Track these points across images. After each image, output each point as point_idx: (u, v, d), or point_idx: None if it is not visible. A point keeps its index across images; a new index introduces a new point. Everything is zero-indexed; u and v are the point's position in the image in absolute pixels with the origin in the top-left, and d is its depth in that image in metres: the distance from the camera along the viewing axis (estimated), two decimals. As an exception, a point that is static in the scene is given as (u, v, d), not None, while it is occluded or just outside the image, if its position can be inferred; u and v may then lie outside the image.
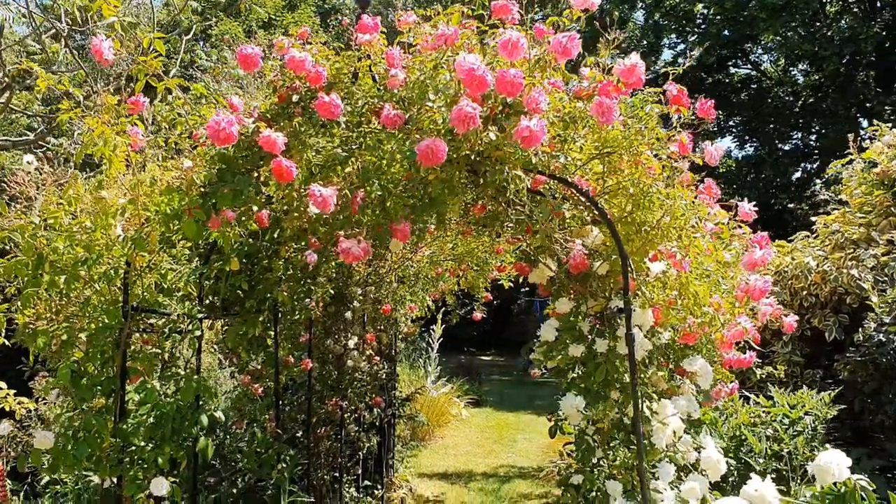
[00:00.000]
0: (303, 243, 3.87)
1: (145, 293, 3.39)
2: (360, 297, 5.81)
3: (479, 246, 6.72)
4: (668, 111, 2.97)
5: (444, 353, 12.58)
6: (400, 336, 7.75)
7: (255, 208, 3.29)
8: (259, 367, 4.64)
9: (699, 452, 3.30)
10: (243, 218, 3.27)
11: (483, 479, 8.31)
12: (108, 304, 3.33)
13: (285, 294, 3.94)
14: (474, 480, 8.25)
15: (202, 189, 2.93)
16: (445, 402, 11.32)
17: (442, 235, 5.80)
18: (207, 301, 3.85)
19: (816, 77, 17.78)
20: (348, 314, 5.57)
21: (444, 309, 9.08)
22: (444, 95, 2.57)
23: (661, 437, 3.06)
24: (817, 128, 18.62)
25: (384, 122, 2.72)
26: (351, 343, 5.58)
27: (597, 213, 2.96)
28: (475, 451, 9.77)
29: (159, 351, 3.40)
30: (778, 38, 17.60)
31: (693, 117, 3.02)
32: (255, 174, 3.04)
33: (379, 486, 6.94)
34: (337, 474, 5.82)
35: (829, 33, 16.91)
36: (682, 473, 3.15)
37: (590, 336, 3.16)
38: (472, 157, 2.73)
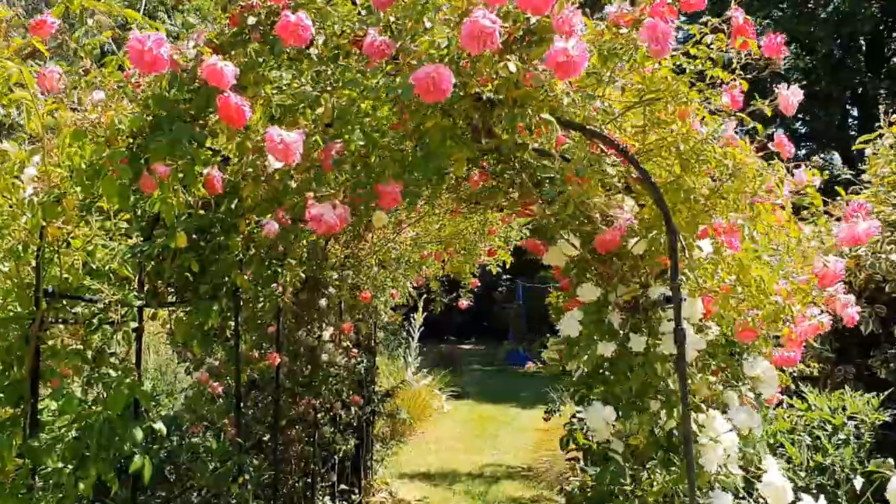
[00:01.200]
0: (268, 217, 3.21)
1: (68, 275, 2.72)
2: (337, 283, 5.16)
3: (469, 227, 6.10)
4: (727, 48, 2.35)
5: (423, 342, 11.96)
6: (380, 325, 7.11)
7: (205, 170, 2.64)
8: (218, 363, 3.98)
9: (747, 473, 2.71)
10: (189, 183, 2.61)
11: (468, 480, 7.72)
12: (18, 287, 2.66)
13: (246, 278, 3.27)
14: (459, 481, 7.66)
15: (130, 140, 2.26)
16: (426, 395, 10.71)
17: (429, 212, 5.16)
18: (151, 286, 3.19)
19: (809, 59, 17.33)
20: (323, 302, 4.92)
21: (425, 296, 8.43)
22: (451, 9, 1.91)
23: (711, 458, 2.45)
24: (809, 113, 18.21)
25: (368, 52, 2.06)
26: (326, 334, 4.93)
27: (636, 176, 2.34)
28: (458, 448, 9.18)
29: (84, 347, 2.73)
30: (770, 20, 17.10)
31: (756, 57, 2.40)
32: (202, 122, 2.37)
33: (356, 491, 6.32)
34: (310, 480, 5.19)
35: (822, 15, 16.44)
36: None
37: (621, 331, 2.54)
38: (483, 99, 2.09)
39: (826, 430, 3.81)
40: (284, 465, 5.00)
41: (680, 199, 2.40)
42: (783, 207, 2.51)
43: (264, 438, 4.59)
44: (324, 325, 4.99)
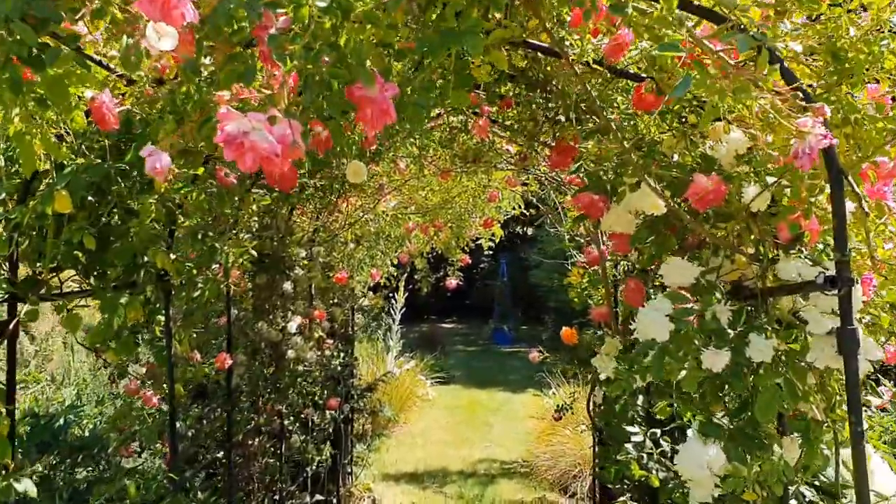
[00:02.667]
0: (198, 170, 2.27)
1: None
2: (305, 262, 4.23)
3: (461, 195, 5.17)
4: None
5: (402, 323, 11.04)
6: (358, 310, 6.19)
7: (87, 93, 1.72)
8: (145, 369, 3.04)
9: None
10: (60, 108, 1.68)
11: (460, 480, 6.87)
12: None
13: (170, 259, 2.34)
14: (450, 482, 6.81)
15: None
16: (410, 382, 9.83)
17: (417, 174, 4.23)
18: (31, 270, 2.26)
19: None
20: (287, 286, 3.99)
21: (405, 275, 7.49)
22: None
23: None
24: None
25: None
26: (292, 325, 4.00)
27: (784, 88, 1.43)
28: (447, 441, 8.33)
29: None
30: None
31: None
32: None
33: (334, 502, 5.44)
34: (277, 498, 4.30)
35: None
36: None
37: (731, 330, 1.66)
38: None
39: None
40: (245, 483, 4.10)
41: (837, 121, 1.51)
42: None
43: (218, 456, 3.68)
44: (289, 313, 4.06)
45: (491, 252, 7.14)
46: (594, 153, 1.92)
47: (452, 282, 6.78)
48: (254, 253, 2.72)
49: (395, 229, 6.23)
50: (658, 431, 2.41)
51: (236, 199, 2.60)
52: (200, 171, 2.45)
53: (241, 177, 2.84)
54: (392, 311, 10.78)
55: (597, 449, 5.88)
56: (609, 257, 3.36)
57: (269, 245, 3.84)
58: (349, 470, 6.05)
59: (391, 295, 10.59)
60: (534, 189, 4.97)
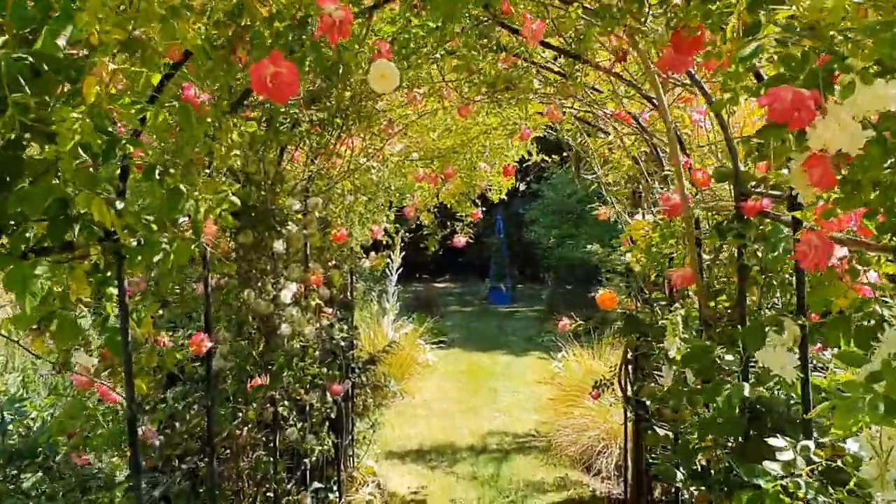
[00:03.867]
0: (156, 80, 1.52)
1: None
2: (299, 217, 3.47)
3: (480, 135, 4.42)
4: None
5: (396, 283, 10.31)
6: (359, 273, 5.47)
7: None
8: (99, 357, 2.31)
9: None
10: None
11: (472, 457, 6.24)
12: None
13: (111, 207, 1.59)
14: (460, 459, 6.17)
15: None
16: (409, 347, 9.17)
17: (436, 107, 3.46)
18: None
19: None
20: (279, 245, 3.24)
21: (403, 232, 6.73)
22: None
23: None
24: None
25: None
26: (286, 294, 3.26)
27: None
28: (453, 411, 7.69)
29: None
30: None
31: None
32: None
33: (334, 488, 4.79)
34: (272, 495, 3.61)
35: None
36: None
37: None
38: None
39: None
40: (233, 482, 3.42)
41: None
42: None
43: (198, 460, 2.97)
44: (282, 279, 3.32)
45: (485, 209, 6.48)
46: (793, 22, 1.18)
47: (461, 239, 6.07)
48: (235, 201, 1.96)
49: (398, 179, 5.50)
50: (811, 445, 1.72)
51: (210, 122, 1.84)
52: (156, 78, 1.69)
53: (217, 97, 2.08)
54: (389, 272, 10.07)
55: (631, 427, 5.26)
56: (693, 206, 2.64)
57: (254, 195, 3.08)
58: (350, 452, 5.39)
59: (389, 254, 9.88)
60: (568, 127, 4.22)
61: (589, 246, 11.45)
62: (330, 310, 4.30)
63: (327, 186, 3.83)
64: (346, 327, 4.85)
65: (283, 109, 3.13)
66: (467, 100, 3.37)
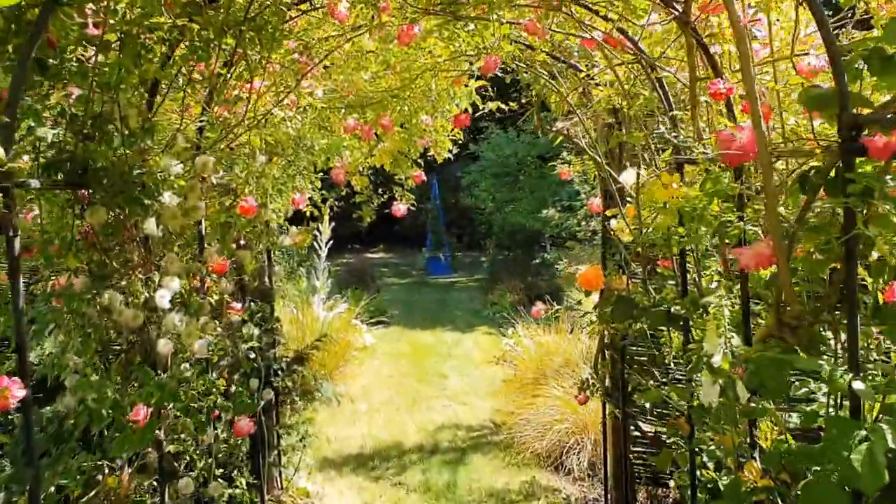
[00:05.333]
0: None
1: None
2: (182, 183, 2.44)
3: (426, 72, 3.46)
4: None
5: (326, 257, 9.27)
6: (277, 252, 4.46)
7: None
8: None
9: None
10: None
11: (422, 460, 5.35)
12: None
13: None
14: (409, 465, 5.28)
15: None
16: (343, 329, 8.20)
17: (369, 25, 2.48)
18: None
19: None
20: (151, 225, 2.22)
21: (330, 200, 5.68)
22: None
23: None
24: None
25: None
26: (163, 295, 2.24)
27: None
28: (397, 403, 6.78)
29: None
30: None
31: None
32: None
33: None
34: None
35: None
36: None
37: None
38: None
39: None
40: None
41: None
42: None
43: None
44: (158, 274, 2.30)
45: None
46: None
47: (401, 207, 5.11)
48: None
49: (322, 135, 4.49)
50: None
51: None
52: None
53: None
54: (317, 245, 9.04)
55: (611, 423, 4.47)
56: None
57: (104, 153, 2.05)
58: (276, 473, 4.42)
59: (317, 226, 8.81)
60: (543, 58, 3.29)
61: (546, 211, 10.69)
62: (239, 305, 3.30)
63: (223, 139, 2.80)
64: (262, 323, 3.86)
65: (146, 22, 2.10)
66: (415, 15, 2.40)
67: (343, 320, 8.42)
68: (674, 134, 2.84)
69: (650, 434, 4.24)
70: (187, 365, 2.43)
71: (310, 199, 4.90)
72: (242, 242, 3.55)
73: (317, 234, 8.91)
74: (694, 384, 2.98)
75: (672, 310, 2.95)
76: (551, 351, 6.52)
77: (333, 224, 8.88)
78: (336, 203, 5.49)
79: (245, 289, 3.91)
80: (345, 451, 5.52)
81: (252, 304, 4.03)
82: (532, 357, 6.78)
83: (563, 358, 6.29)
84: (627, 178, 3.47)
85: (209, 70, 2.40)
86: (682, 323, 2.98)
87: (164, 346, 2.23)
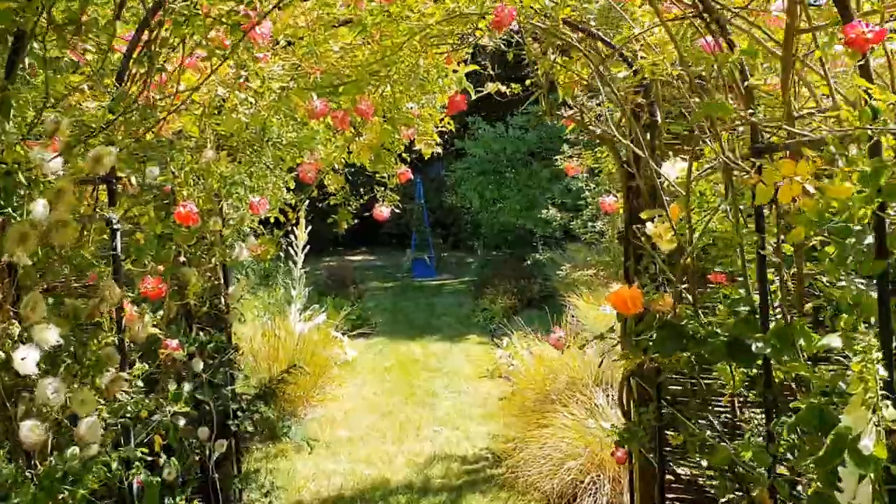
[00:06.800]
0: None
1: None
2: (64, 185, 1.69)
3: (412, 37, 2.74)
4: None
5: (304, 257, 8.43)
6: (235, 267, 3.72)
7: None
8: None
9: None
10: None
11: (410, 501, 4.62)
12: None
13: None
14: (397, 508, 4.55)
15: None
16: (322, 342, 7.42)
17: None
18: None
19: None
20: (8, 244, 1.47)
21: (300, 206, 4.87)
22: None
23: None
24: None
25: None
26: (24, 359, 1.49)
27: None
28: (382, 429, 6.03)
29: None
30: None
31: None
32: None
33: None
34: None
35: None
36: None
37: None
38: None
39: None
40: None
41: None
42: None
43: None
44: (15, 325, 1.55)
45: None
46: None
47: (384, 210, 4.38)
48: None
49: (291, 126, 3.78)
50: None
51: None
52: None
53: None
54: (293, 251, 8.26)
55: (638, 466, 3.77)
56: None
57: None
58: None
59: (291, 230, 8.04)
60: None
61: (546, 210, 9.97)
62: (174, 343, 2.55)
63: (137, 125, 2.05)
64: (214, 357, 3.11)
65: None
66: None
67: (322, 332, 7.65)
68: (749, 111, 2.13)
69: (685, 477, 3.56)
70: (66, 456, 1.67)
71: (284, 201, 4.18)
72: (184, 257, 2.81)
73: (292, 238, 8.15)
74: (777, 443, 2.29)
75: (744, 341, 2.26)
76: (554, 367, 5.80)
77: (311, 227, 8.11)
78: (306, 209, 4.76)
79: (192, 314, 3.16)
80: (323, 492, 4.77)
81: (202, 330, 3.29)
82: (531, 373, 6.07)
83: (567, 376, 5.57)
84: (671, 170, 2.77)
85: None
86: (761, 361, 2.29)
87: (27, 432, 1.48)
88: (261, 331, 7.12)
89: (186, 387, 2.60)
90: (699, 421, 2.89)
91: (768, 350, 2.02)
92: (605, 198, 4.44)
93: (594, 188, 5.75)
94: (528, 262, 10.88)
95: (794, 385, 2.34)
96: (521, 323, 7.73)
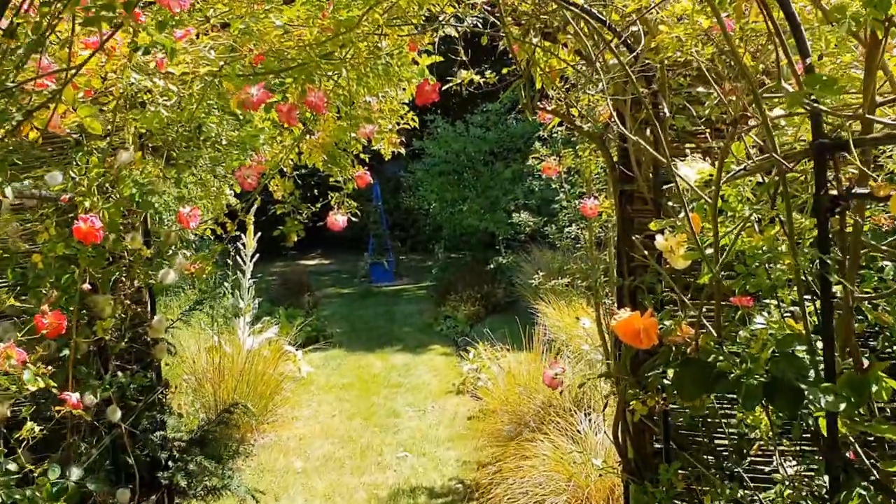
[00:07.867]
0: None
1: None
2: None
3: (376, 14, 2.22)
4: None
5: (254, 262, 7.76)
6: (161, 290, 3.15)
7: None
8: None
9: None
10: None
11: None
12: None
13: None
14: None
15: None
16: (274, 358, 6.82)
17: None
18: None
19: None
20: None
21: (244, 206, 4.28)
22: None
23: None
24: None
25: None
26: None
27: None
28: (339, 457, 5.49)
29: None
30: None
31: None
32: None
33: None
34: None
35: None
36: None
37: None
38: None
39: None
40: None
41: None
42: None
43: None
44: None
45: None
46: None
47: (339, 218, 3.85)
48: None
49: (231, 123, 3.25)
50: None
51: None
52: None
53: None
54: (241, 259, 7.64)
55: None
56: None
57: None
58: None
59: (237, 237, 7.43)
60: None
61: (517, 215, 9.51)
62: (74, 397, 2.00)
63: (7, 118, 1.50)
64: (140, 399, 2.55)
65: None
66: None
67: (274, 347, 7.06)
68: (812, 98, 1.68)
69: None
70: None
71: (227, 210, 3.67)
72: (88, 288, 2.26)
73: (241, 246, 7.54)
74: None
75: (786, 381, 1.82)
76: (528, 386, 5.34)
77: (260, 233, 7.51)
78: (255, 212, 4.24)
79: (105, 349, 2.61)
80: (274, 537, 4.23)
81: (124, 369, 2.73)
82: (502, 392, 5.61)
83: (544, 395, 5.12)
84: (689, 171, 2.32)
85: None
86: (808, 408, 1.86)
87: None
88: (205, 347, 6.52)
89: (75, 473, 2.05)
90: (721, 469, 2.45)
91: (842, 406, 1.57)
92: (586, 200, 3.98)
93: (569, 189, 5.30)
94: (492, 266, 10.43)
95: (850, 438, 1.91)
96: (486, 332, 7.28)
